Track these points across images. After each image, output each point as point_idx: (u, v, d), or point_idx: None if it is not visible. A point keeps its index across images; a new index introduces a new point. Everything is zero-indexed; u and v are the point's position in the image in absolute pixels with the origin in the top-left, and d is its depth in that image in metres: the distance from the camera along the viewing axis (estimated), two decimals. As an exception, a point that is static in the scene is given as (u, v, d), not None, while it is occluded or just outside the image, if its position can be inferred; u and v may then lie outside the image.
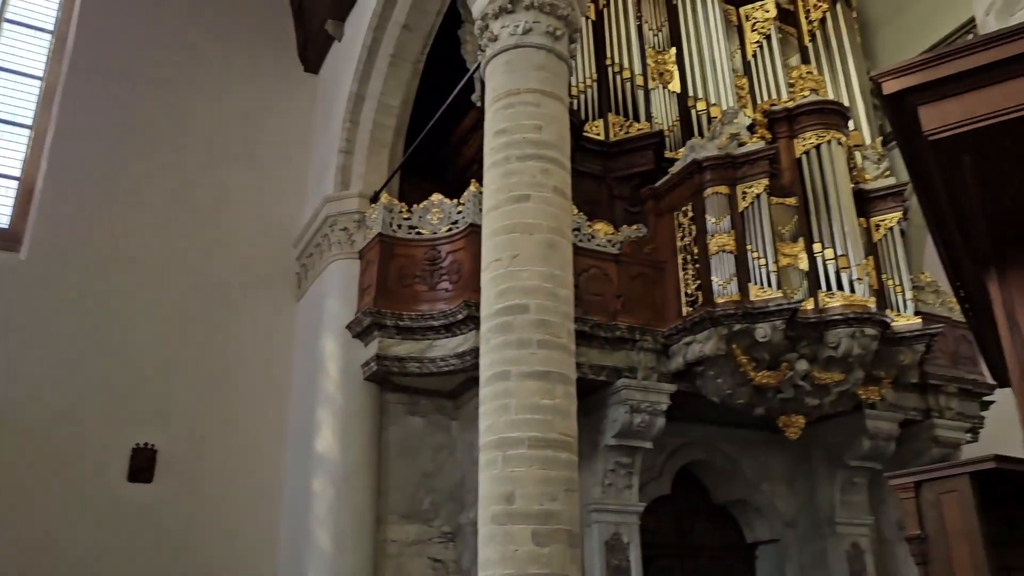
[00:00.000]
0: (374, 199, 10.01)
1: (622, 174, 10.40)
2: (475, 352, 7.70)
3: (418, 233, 9.36)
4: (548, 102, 6.91)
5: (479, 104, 9.73)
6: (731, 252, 8.96)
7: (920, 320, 9.72)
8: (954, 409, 10.69)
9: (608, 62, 10.81)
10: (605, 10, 11.13)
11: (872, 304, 9.13)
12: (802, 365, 9.14)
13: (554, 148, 6.81)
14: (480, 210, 7.23)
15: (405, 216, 9.50)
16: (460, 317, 8.63)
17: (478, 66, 8.06)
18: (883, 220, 10.07)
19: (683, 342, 9.09)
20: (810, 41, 12.59)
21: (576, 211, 9.10)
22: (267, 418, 10.46)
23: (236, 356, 10.56)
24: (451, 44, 10.76)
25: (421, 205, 9.48)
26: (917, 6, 12.90)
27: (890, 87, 2.16)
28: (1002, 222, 2.46)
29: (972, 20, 11.29)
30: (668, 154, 10.45)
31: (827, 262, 9.20)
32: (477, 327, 7.38)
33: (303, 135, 11.87)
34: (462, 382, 9.28)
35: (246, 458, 10.22)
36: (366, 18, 10.47)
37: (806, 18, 12.64)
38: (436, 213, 9.34)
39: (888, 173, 10.59)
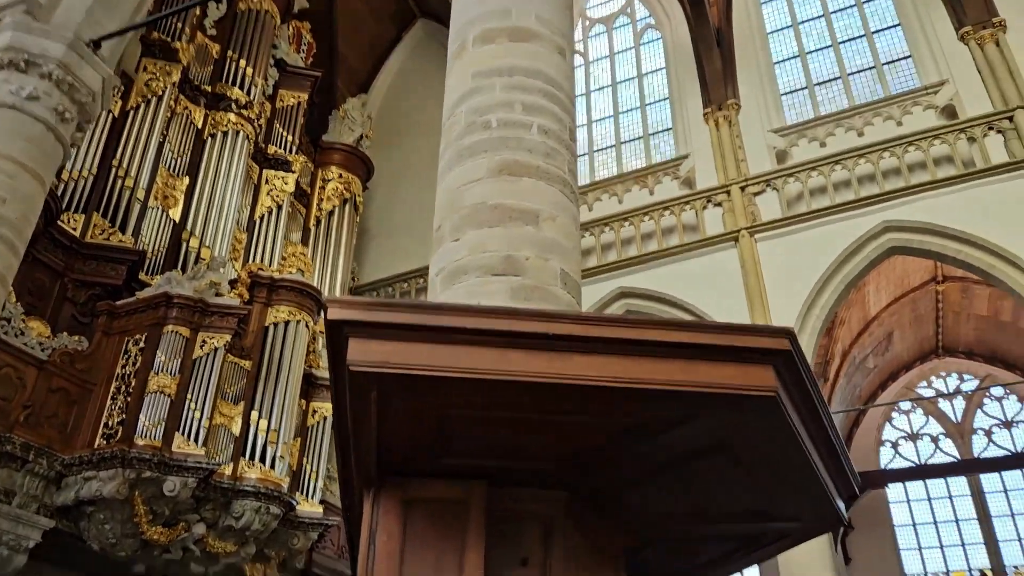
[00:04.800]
0: None
1: (85, 278, 9.57)
2: None
3: None
4: (26, 179, 6.24)
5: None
6: (169, 396, 8.65)
7: (322, 510, 10.27)
8: (327, 601, 11.24)
9: (115, 163, 10.20)
10: (132, 112, 10.65)
11: (285, 484, 9.44)
12: (200, 528, 8.91)
13: (13, 228, 6.09)
14: None
15: None
16: None
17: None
18: (320, 408, 10.72)
19: (82, 476, 8.26)
20: (315, 226, 13.45)
21: (15, 300, 8.07)
22: None
23: None
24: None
25: None
26: (404, 235, 14.68)
27: (333, 313, 2.42)
28: (388, 455, 2.84)
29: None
30: (143, 277, 9.97)
31: (259, 433, 9.37)
32: None
33: None
34: None
35: None
36: None
37: (318, 205, 13.56)
38: None
39: (339, 366, 11.43)
